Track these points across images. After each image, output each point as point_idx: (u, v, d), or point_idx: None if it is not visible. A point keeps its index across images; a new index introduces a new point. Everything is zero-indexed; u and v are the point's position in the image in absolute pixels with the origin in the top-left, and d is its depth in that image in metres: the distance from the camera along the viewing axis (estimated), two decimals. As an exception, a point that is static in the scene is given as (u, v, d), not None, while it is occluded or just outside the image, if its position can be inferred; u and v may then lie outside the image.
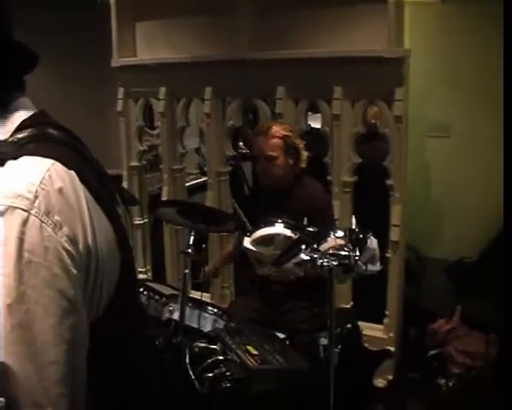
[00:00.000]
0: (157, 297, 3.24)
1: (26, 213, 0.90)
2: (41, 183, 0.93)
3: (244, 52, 4.15)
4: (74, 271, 0.92)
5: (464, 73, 4.24)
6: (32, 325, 0.87)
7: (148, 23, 4.60)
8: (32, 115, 1.12)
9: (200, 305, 3.24)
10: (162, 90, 4.50)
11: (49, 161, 0.97)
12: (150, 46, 4.63)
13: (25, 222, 0.89)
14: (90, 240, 0.96)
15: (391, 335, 4.04)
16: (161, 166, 4.74)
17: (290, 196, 3.42)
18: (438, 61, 4.30)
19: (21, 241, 0.89)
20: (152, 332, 3.18)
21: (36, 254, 0.89)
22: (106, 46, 4.71)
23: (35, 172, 0.95)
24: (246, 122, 5.13)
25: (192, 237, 3.05)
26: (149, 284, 3.53)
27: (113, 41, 4.62)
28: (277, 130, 3.41)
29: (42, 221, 0.90)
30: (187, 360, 2.74)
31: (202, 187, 5.06)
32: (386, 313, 4.05)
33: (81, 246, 0.94)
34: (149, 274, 5.00)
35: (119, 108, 4.73)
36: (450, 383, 3.93)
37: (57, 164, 0.98)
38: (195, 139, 5.79)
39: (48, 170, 0.95)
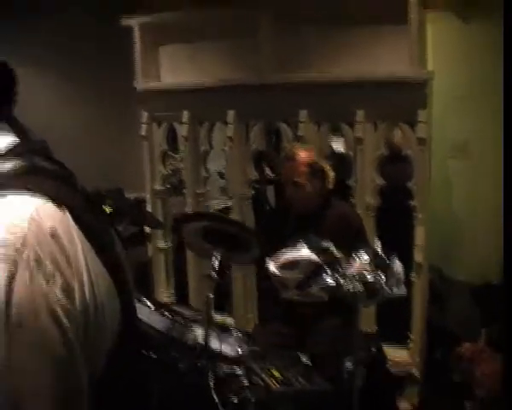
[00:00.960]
0: (181, 320, 3.24)
1: (13, 267, 0.80)
2: (29, 226, 0.83)
3: (267, 76, 4.17)
4: (69, 326, 0.83)
5: (487, 94, 4.21)
6: (21, 392, 0.80)
7: (172, 47, 4.66)
8: (19, 142, 0.98)
9: (225, 328, 3.24)
10: (185, 113, 4.53)
11: (37, 201, 0.87)
12: (174, 70, 4.68)
13: (11, 277, 0.80)
14: (87, 289, 0.87)
15: (416, 358, 4.00)
16: (185, 190, 4.76)
17: (320, 218, 3.44)
18: (460, 82, 4.29)
19: (8, 302, 0.79)
20: (176, 355, 3.19)
21: (26, 317, 0.80)
22: (130, 70, 4.75)
23: (22, 214, 0.84)
24: (269, 145, 5.13)
25: (216, 261, 3.05)
26: (174, 307, 3.53)
27: (137, 65, 4.68)
28: (304, 157, 3.43)
29: (31, 273, 0.81)
30: (211, 384, 2.74)
31: (226, 211, 5.07)
32: (411, 336, 4.02)
33: (77, 297, 0.85)
34: (173, 298, 5.00)
35: (143, 132, 4.77)
36: (477, 407, 3.88)
37: (47, 203, 0.87)
38: (219, 162, 5.81)
39: (36, 210, 0.85)
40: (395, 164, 4.38)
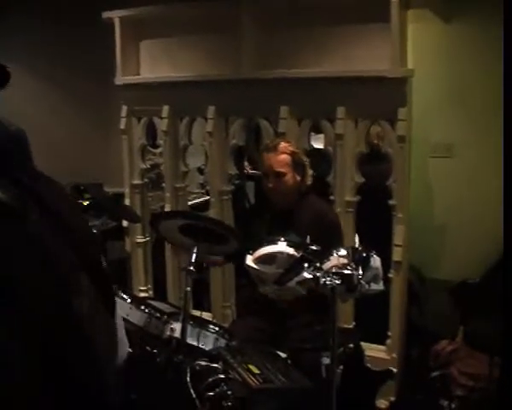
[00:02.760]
0: (158, 315, 3.22)
1: None
2: None
3: (248, 71, 4.16)
4: None
5: (467, 93, 4.24)
6: None
7: (152, 42, 4.63)
8: None
9: (202, 323, 3.23)
10: (165, 108, 4.51)
11: None
12: (154, 65, 4.66)
13: None
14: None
15: (393, 356, 4.02)
16: (164, 184, 4.75)
17: (297, 214, 3.44)
18: (441, 81, 4.30)
19: None
20: (152, 351, 3.17)
21: None
22: (109, 64, 4.72)
23: None
24: (249, 141, 5.13)
25: (194, 255, 3.04)
26: (151, 302, 3.52)
27: (117, 59, 4.65)
28: (286, 146, 3.45)
29: None
30: (188, 379, 2.73)
31: (205, 206, 5.06)
32: (389, 333, 4.04)
33: None
34: (151, 292, 4.98)
35: (122, 126, 4.74)
36: (453, 405, 3.89)
37: None
38: (198, 158, 5.79)
39: None
40: (374, 162, 4.40)
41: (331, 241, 2.99)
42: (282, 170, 3.41)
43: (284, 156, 3.42)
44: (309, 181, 3.57)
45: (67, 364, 0.98)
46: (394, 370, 3.97)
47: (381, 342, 4.10)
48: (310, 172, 3.55)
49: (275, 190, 3.44)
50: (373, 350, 4.05)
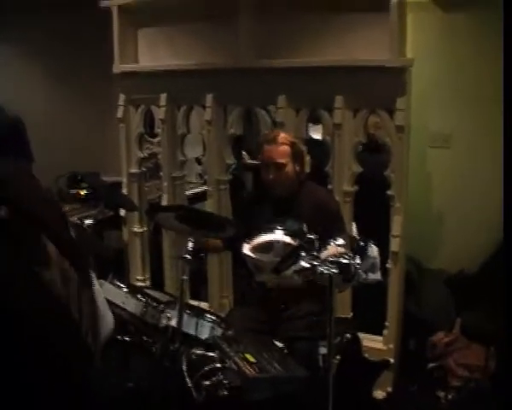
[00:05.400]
0: (155, 304, 3.22)
1: None
2: None
3: (246, 60, 4.14)
4: None
5: (467, 83, 4.22)
6: None
7: (150, 29, 4.60)
8: None
9: (198, 312, 3.22)
10: (163, 96, 4.49)
11: None
12: (152, 53, 4.63)
13: None
14: None
15: (390, 346, 4.02)
16: (161, 173, 4.73)
17: (297, 202, 3.43)
18: (440, 71, 4.28)
19: None
20: (148, 340, 3.17)
21: None
22: (107, 52, 4.70)
23: None
24: (247, 131, 5.11)
25: (191, 244, 3.03)
26: (147, 291, 3.51)
27: (115, 47, 4.62)
28: (285, 136, 3.43)
29: None
30: (184, 367, 2.72)
31: (202, 196, 5.05)
32: (386, 324, 4.04)
33: None
34: (148, 282, 4.97)
35: (120, 114, 4.72)
36: (450, 396, 3.90)
37: None
38: (197, 149, 5.78)
39: None
40: (372, 153, 4.39)
41: (333, 227, 2.99)
42: (283, 161, 3.39)
43: (284, 147, 3.41)
44: (308, 169, 3.56)
45: (42, 331, 0.97)
46: (391, 360, 3.97)
47: (379, 333, 4.09)
48: (308, 159, 3.56)
49: (275, 180, 3.42)
50: (370, 340, 4.04)
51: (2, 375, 0.91)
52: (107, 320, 1.28)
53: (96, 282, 1.20)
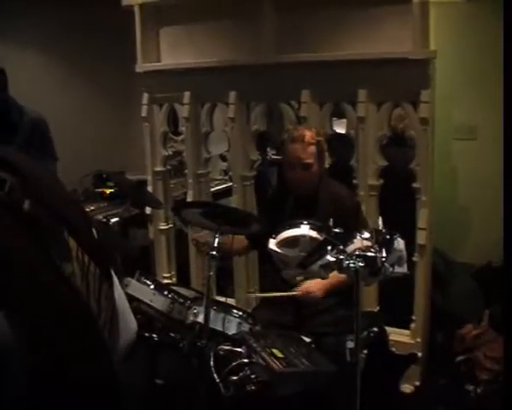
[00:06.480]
0: (181, 300, 3.22)
1: None
2: None
3: (268, 56, 4.13)
4: None
5: (491, 73, 4.17)
6: None
7: (172, 28, 4.61)
8: None
9: (225, 308, 3.22)
10: (186, 94, 4.50)
11: None
12: (174, 51, 4.64)
13: None
14: None
15: (418, 340, 3.99)
16: (186, 171, 4.74)
17: (318, 198, 3.42)
18: (464, 62, 4.24)
19: None
20: (176, 336, 3.18)
21: None
22: (130, 51, 4.72)
23: None
24: (270, 126, 5.10)
25: (216, 240, 3.03)
26: (174, 287, 3.52)
27: (138, 46, 4.64)
28: (311, 135, 3.39)
29: None
30: (211, 363, 2.73)
31: (227, 192, 5.05)
32: (413, 317, 4.01)
33: None
34: (174, 279, 4.99)
35: (144, 113, 4.73)
36: (479, 390, 3.87)
37: None
38: (221, 145, 5.78)
39: None
40: (397, 145, 4.36)
41: (353, 222, 2.97)
42: (311, 161, 3.37)
43: (311, 147, 3.37)
44: (327, 164, 3.57)
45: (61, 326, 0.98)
46: (419, 354, 3.95)
47: (406, 327, 4.07)
48: (326, 154, 3.59)
49: (302, 179, 3.41)
50: (397, 334, 4.02)
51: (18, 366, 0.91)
52: (130, 326, 1.27)
53: (118, 284, 1.19)
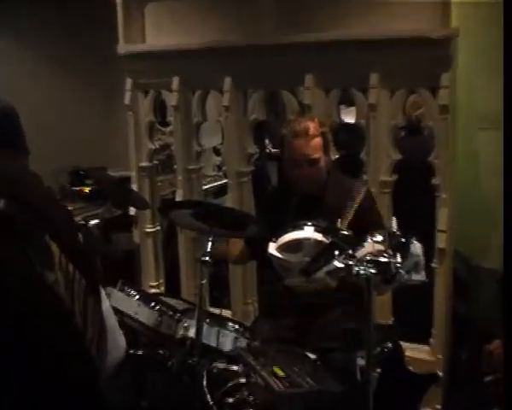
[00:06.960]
0: (170, 313, 3.23)
1: None
2: None
3: (267, 37, 4.14)
4: None
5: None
6: None
7: (159, 5, 4.61)
8: None
9: (220, 321, 3.23)
10: (175, 80, 4.50)
11: None
12: (161, 32, 4.64)
13: None
14: None
15: (439, 357, 4.00)
16: (175, 167, 4.74)
17: (326, 196, 3.41)
18: (489, 42, 4.24)
19: None
20: (164, 353, 3.18)
21: None
22: (111, 37, 4.71)
23: None
24: (271, 116, 5.11)
25: (209, 244, 3.03)
26: (162, 298, 3.52)
27: (119, 25, 4.63)
28: (315, 127, 3.39)
29: None
30: (204, 384, 2.73)
31: (221, 190, 5.06)
32: (433, 331, 4.01)
33: None
34: (162, 288, 5.00)
35: (127, 101, 4.73)
36: (508, 413, 3.86)
37: None
38: (214, 138, 5.79)
39: None
40: (413, 136, 4.36)
41: (367, 221, 2.96)
42: (317, 156, 3.38)
43: (316, 140, 3.38)
44: (333, 157, 3.57)
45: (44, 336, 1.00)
46: (440, 373, 3.95)
47: (424, 342, 4.08)
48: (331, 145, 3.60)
49: (309, 177, 3.40)
50: (415, 350, 4.03)
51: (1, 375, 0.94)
52: (119, 344, 1.29)
53: (105, 298, 1.21)
